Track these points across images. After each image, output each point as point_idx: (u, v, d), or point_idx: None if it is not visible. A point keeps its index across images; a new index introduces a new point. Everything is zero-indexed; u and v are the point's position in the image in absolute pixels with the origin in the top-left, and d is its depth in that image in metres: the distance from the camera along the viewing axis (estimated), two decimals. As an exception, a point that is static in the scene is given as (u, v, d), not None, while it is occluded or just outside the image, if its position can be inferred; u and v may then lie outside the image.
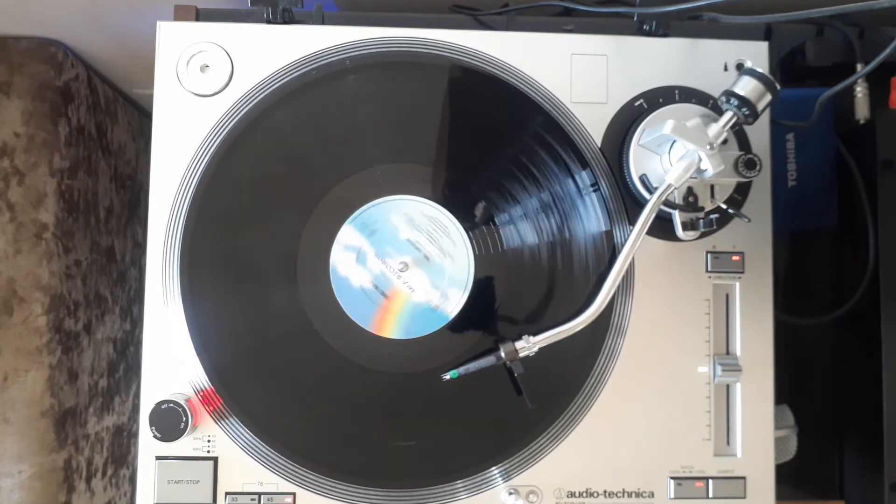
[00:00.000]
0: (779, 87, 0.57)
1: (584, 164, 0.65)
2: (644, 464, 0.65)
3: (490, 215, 0.64)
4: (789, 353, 0.74)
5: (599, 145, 0.66)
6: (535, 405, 0.62)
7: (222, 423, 0.63)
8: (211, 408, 0.62)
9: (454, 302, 0.63)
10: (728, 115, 0.58)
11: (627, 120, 0.65)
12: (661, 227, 0.64)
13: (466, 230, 0.64)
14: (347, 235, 0.63)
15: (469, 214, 0.64)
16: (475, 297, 0.64)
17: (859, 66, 0.74)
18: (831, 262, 0.78)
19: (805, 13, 0.62)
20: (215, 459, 0.62)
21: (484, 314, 0.64)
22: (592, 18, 0.72)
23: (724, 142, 0.59)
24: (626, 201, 0.65)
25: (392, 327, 0.63)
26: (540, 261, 0.64)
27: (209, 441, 0.63)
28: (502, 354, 0.61)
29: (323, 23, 0.68)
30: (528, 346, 0.61)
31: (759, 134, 0.66)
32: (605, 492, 0.64)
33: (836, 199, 0.75)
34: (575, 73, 0.66)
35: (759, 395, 0.66)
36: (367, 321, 0.63)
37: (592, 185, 0.65)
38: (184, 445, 0.62)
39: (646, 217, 0.60)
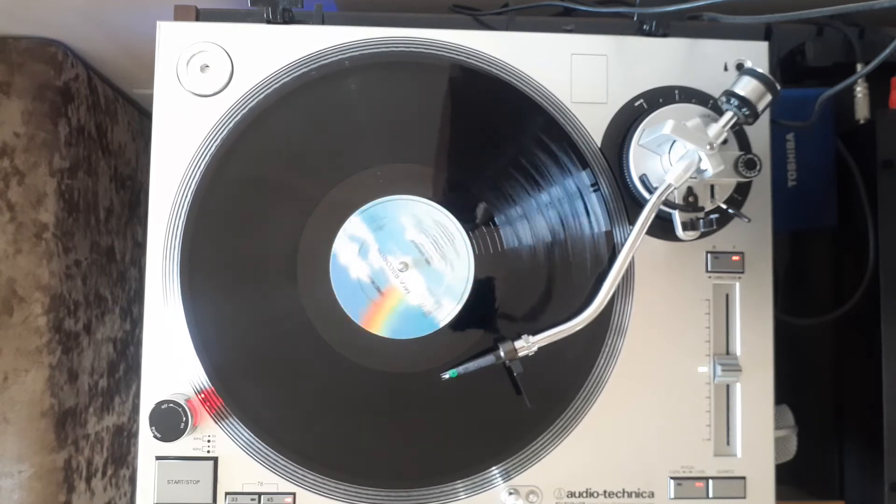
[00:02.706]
0: (779, 87, 0.57)
1: (584, 165, 0.65)
2: (644, 464, 0.65)
3: (490, 215, 0.64)
4: (789, 353, 0.74)
5: (599, 145, 0.66)
6: (535, 405, 0.62)
7: (222, 423, 0.63)
8: (211, 408, 0.62)
9: (454, 302, 0.63)
10: (728, 115, 0.58)
11: (627, 120, 0.65)
12: (661, 227, 0.64)
13: (466, 230, 0.64)
14: (351, 230, 0.63)
15: (469, 214, 0.64)
16: (475, 297, 0.64)
17: (859, 66, 0.74)
18: (831, 262, 0.78)
19: (805, 13, 0.62)
20: (215, 459, 0.62)
21: (484, 314, 0.64)
22: (592, 18, 0.72)
23: (724, 142, 0.59)
24: (626, 201, 0.65)
25: (390, 327, 0.63)
26: (540, 260, 0.64)
27: (209, 441, 0.63)
28: (501, 354, 0.61)
29: (323, 23, 0.68)
30: (527, 345, 0.61)
31: (759, 134, 0.66)
32: (605, 492, 0.64)
33: (836, 199, 0.75)
34: (575, 73, 0.66)
35: (759, 395, 0.66)
36: (365, 318, 0.63)
37: (592, 185, 0.65)
38: (184, 445, 0.62)
39: (646, 217, 0.60)
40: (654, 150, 0.63)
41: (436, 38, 0.66)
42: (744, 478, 0.65)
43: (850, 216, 0.74)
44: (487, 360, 0.62)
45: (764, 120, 0.66)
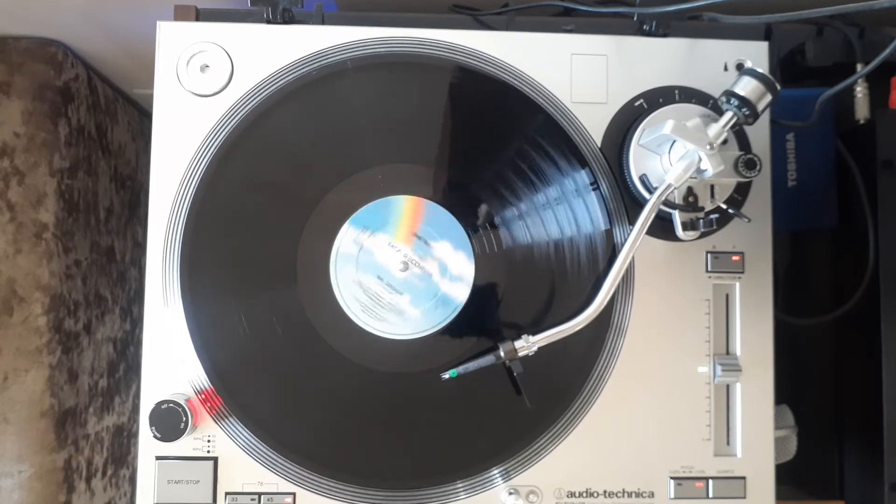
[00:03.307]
0: (779, 87, 0.57)
1: (584, 164, 0.65)
2: (644, 464, 0.65)
3: (490, 215, 0.64)
4: (789, 353, 0.74)
5: (599, 145, 0.66)
6: (535, 405, 0.62)
7: (222, 423, 0.63)
8: (211, 408, 0.62)
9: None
10: (728, 115, 0.58)
11: (627, 120, 0.65)
12: (661, 227, 0.64)
13: (466, 230, 0.64)
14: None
15: (469, 214, 0.64)
16: (475, 297, 0.64)
17: (859, 66, 0.74)
18: (831, 262, 0.78)
19: (805, 13, 0.62)
20: (215, 459, 0.62)
21: (483, 314, 0.64)
22: (592, 18, 0.72)
23: (724, 142, 0.59)
24: (626, 201, 0.65)
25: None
26: (540, 260, 0.64)
27: (209, 441, 0.63)
28: (501, 354, 0.61)
29: (323, 23, 0.68)
30: (527, 345, 0.61)
31: (759, 134, 0.66)
32: (605, 492, 0.64)
33: (836, 199, 0.75)
34: (575, 73, 0.66)
35: (759, 395, 0.66)
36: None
37: (592, 185, 0.65)
38: (184, 445, 0.62)
39: (646, 217, 0.60)
40: (654, 150, 0.63)
41: (436, 38, 0.66)
42: (744, 478, 0.65)
43: (850, 216, 0.74)
44: (487, 360, 0.62)
45: (764, 120, 0.66)
